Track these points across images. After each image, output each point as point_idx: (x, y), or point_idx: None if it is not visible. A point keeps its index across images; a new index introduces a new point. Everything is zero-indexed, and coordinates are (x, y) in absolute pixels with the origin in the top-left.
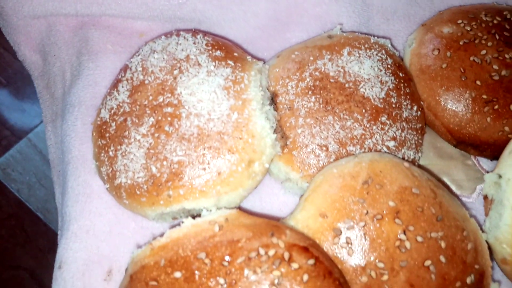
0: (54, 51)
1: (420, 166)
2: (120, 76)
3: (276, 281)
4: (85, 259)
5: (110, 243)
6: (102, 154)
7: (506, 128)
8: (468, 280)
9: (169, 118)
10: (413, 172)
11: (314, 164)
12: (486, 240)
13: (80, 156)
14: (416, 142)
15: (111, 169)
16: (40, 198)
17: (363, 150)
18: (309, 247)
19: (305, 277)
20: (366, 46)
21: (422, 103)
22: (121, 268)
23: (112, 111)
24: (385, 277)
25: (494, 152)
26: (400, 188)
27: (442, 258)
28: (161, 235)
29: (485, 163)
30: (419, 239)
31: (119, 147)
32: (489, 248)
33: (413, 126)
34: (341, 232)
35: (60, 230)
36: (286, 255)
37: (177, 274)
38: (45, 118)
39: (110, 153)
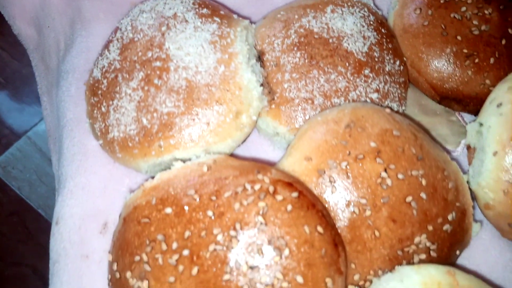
0: (48, 23)
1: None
2: (111, 37)
3: (261, 212)
4: (81, 214)
5: (105, 198)
6: (95, 111)
7: (487, 81)
8: (450, 217)
9: (158, 72)
10: (395, 117)
11: (301, 117)
12: (470, 188)
13: (74, 118)
14: (399, 95)
15: (104, 124)
16: (41, 195)
17: (347, 102)
18: (293, 183)
19: (289, 207)
20: (349, 4)
21: (405, 59)
22: (116, 221)
23: (104, 70)
24: (368, 213)
25: (476, 106)
26: (381, 131)
27: (423, 195)
28: (152, 177)
29: (468, 119)
30: (400, 176)
31: (111, 102)
32: (473, 197)
33: (396, 80)
34: (324, 172)
35: (56, 191)
36: (271, 189)
37: (168, 210)
38: (41, 90)
39: (103, 109)
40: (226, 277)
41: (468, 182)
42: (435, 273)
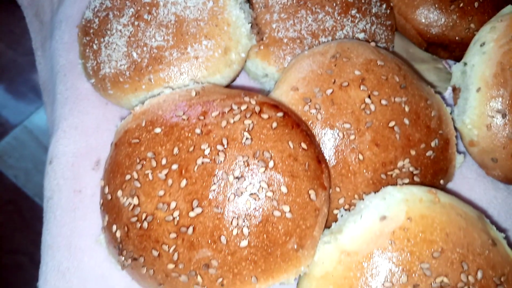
0: None
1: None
2: None
3: (247, 128)
4: (74, 152)
5: (97, 137)
6: (87, 50)
7: (472, 25)
8: (433, 144)
9: (147, 7)
10: (379, 50)
11: (289, 57)
12: (455, 127)
13: (67, 64)
14: (386, 37)
15: (95, 62)
16: (37, 184)
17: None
18: (278, 105)
19: (274, 124)
20: None
21: (392, 5)
22: None
23: (95, 9)
24: (352, 137)
25: (462, 52)
26: (366, 60)
27: (406, 121)
28: (142, 102)
29: None
30: (384, 102)
31: (102, 39)
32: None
33: (382, 22)
34: (310, 100)
35: (50, 136)
36: (257, 109)
37: (157, 130)
38: (35, 45)
39: (94, 46)
40: (214, 187)
41: (453, 121)
42: (417, 191)
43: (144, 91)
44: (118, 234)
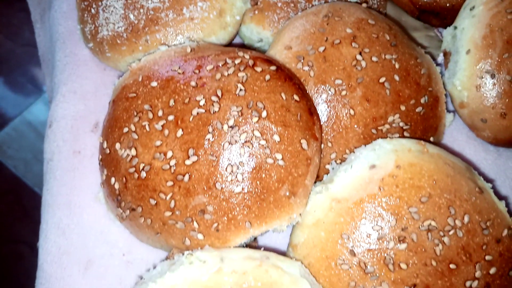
0: None
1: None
2: None
3: (241, 80)
4: (73, 115)
5: (96, 101)
6: (85, 15)
7: None
8: (422, 100)
9: None
10: (371, 11)
11: (284, 20)
12: (445, 89)
13: (66, 32)
14: (378, 3)
15: (93, 25)
16: (37, 173)
17: None
18: (271, 60)
19: (267, 77)
20: None
21: None
22: None
23: None
24: (344, 93)
25: (453, 19)
26: (357, 19)
27: (396, 77)
28: (139, 60)
29: None
30: (374, 59)
31: (100, 3)
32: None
33: None
34: (303, 58)
35: (49, 104)
36: (251, 62)
37: (154, 84)
38: (34, 18)
39: (92, 11)
40: (208, 136)
41: (444, 85)
42: (406, 142)
43: (141, 52)
44: (116, 186)
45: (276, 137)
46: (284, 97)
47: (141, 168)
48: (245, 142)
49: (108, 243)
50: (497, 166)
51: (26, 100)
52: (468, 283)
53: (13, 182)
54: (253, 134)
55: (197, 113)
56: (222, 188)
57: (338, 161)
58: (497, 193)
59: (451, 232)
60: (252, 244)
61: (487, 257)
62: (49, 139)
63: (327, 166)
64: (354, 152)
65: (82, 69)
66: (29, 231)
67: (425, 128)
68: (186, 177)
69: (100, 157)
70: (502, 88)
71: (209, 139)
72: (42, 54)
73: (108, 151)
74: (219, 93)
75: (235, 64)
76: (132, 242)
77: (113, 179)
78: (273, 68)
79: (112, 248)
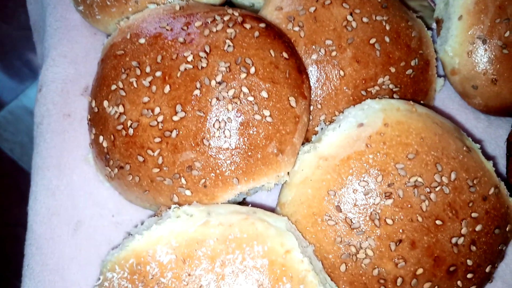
0: None
1: None
2: None
3: (229, 36)
4: (64, 79)
5: (86, 65)
6: None
7: None
8: (413, 63)
9: None
10: None
11: None
12: (437, 57)
13: None
14: None
15: None
16: None
17: None
18: (261, 18)
19: (256, 33)
20: None
21: None
22: None
23: None
24: (334, 54)
25: None
26: None
27: (387, 39)
28: (128, 18)
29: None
30: (365, 20)
31: None
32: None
33: None
34: (294, 19)
35: (40, 69)
36: (240, 19)
37: (142, 40)
38: None
39: None
40: (196, 92)
41: (436, 52)
42: (395, 102)
43: (130, 14)
44: (104, 145)
45: (264, 94)
46: (273, 54)
47: (128, 125)
48: (233, 98)
49: (97, 204)
50: (488, 134)
51: (22, 84)
52: (454, 240)
53: (9, 166)
54: (241, 90)
55: (185, 69)
56: (209, 144)
57: (328, 123)
58: (485, 154)
59: (437, 189)
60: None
61: (473, 214)
62: (39, 103)
63: (317, 129)
64: (343, 113)
65: (72, 34)
66: (26, 214)
67: (415, 91)
68: (174, 133)
69: (89, 116)
70: (494, 53)
71: (196, 95)
72: (33, 22)
73: (96, 109)
74: (207, 49)
75: (224, 20)
76: (121, 204)
77: (101, 138)
78: (262, 25)
79: (101, 209)
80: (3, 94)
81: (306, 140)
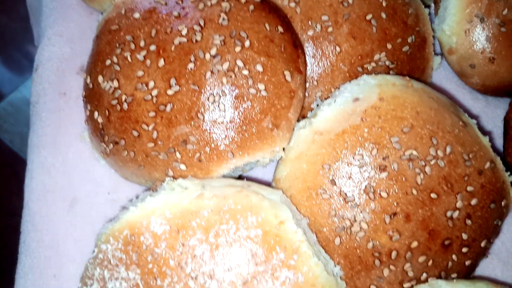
0: None
1: None
2: None
3: (224, 10)
4: (59, 58)
5: (82, 44)
6: None
7: None
8: (409, 40)
9: None
10: None
11: None
12: (434, 36)
13: None
14: None
15: None
16: None
17: None
18: None
19: (251, 7)
20: None
21: None
22: None
23: None
24: (330, 29)
25: None
26: None
27: (383, 15)
28: None
29: None
30: None
31: None
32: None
33: None
34: None
35: (36, 49)
36: None
37: (136, 15)
38: None
39: None
40: (190, 66)
41: (433, 31)
42: (390, 77)
43: None
44: (99, 120)
45: (259, 67)
46: (268, 28)
47: (123, 99)
48: (228, 71)
49: (93, 181)
50: (485, 114)
51: (21, 75)
52: (449, 213)
53: (9, 156)
54: (236, 64)
55: (179, 43)
56: (204, 118)
57: (324, 100)
58: (481, 130)
59: (432, 162)
60: None
61: (469, 188)
62: (35, 82)
63: (313, 105)
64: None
65: (68, 13)
66: None
67: (411, 68)
68: (168, 107)
69: (84, 93)
70: (491, 32)
71: (191, 69)
72: (30, 4)
73: (91, 85)
74: (202, 23)
75: None
76: (117, 181)
77: (96, 113)
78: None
79: (97, 186)
80: (3, 85)
81: (302, 117)
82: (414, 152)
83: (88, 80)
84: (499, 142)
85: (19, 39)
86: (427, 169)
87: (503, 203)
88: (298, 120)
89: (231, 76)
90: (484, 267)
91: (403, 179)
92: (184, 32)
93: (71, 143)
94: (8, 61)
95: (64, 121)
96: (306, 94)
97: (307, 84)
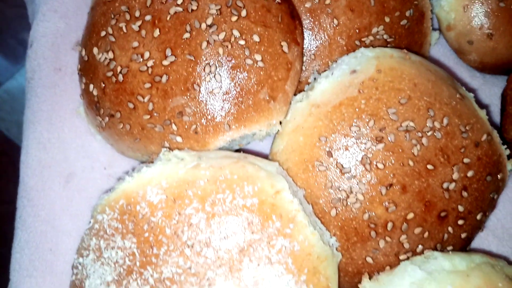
0: None
1: None
2: None
3: None
4: (54, 33)
5: (77, 20)
6: None
7: None
8: (407, 13)
9: None
10: None
11: None
12: (433, 11)
13: None
14: None
15: None
16: None
17: None
18: None
19: None
20: None
21: None
22: None
23: None
24: (328, 1)
25: None
26: None
27: None
28: None
29: None
30: None
31: None
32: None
33: None
34: None
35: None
36: None
37: None
38: None
39: None
40: (186, 35)
41: (432, 7)
42: (388, 50)
43: None
44: (95, 93)
45: (256, 37)
46: None
47: (118, 71)
48: (224, 41)
49: (89, 157)
50: (483, 91)
51: (17, 63)
52: (445, 185)
53: (6, 144)
54: (232, 34)
55: (175, 12)
56: (200, 89)
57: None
58: (479, 104)
59: (429, 133)
60: None
61: (465, 160)
62: (30, 58)
63: (309, 80)
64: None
65: None
66: None
67: (409, 42)
68: (164, 78)
69: (79, 66)
70: (490, 7)
71: (186, 38)
72: None
73: (86, 58)
74: None
75: None
76: (113, 156)
77: (91, 86)
78: None
79: (93, 162)
80: None
81: (299, 91)
82: (411, 124)
83: (83, 53)
84: (497, 120)
85: (15, 27)
86: (424, 140)
87: (499, 176)
88: (295, 94)
89: (227, 46)
90: (480, 243)
91: (400, 150)
92: (179, 1)
93: (66, 118)
94: (4, 48)
95: (60, 97)
96: (303, 68)
97: (304, 58)
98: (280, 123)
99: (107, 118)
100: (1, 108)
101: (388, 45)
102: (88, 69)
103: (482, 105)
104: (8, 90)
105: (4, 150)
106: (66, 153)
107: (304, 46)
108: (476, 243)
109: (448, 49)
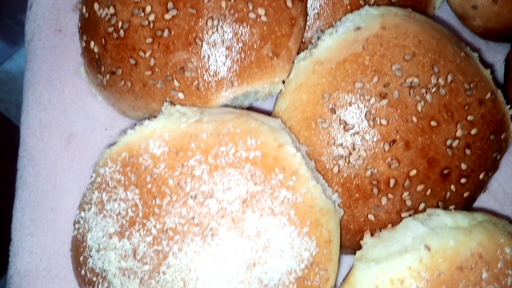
0: None
1: None
2: None
3: None
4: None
5: None
6: None
7: None
8: None
9: None
10: None
11: None
12: None
13: None
14: None
15: None
16: None
17: None
18: None
19: None
20: None
21: None
22: None
23: None
24: None
25: None
26: None
27: None
28: None
29: None
30: None
31: None
32: None
33: None
34: None
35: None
36: None
37: None
38: None
39: None
40: None
41: None
42: (393, 8)
43: None
44: (96, 50)
45: None
46: None
47: (119, 26)
48: None
49: (90, 117)
50: (486, 58)
51: (15, 44)
52: (448, 142)
53: (5, 125)
54: None
55: None
56: (202, 43)
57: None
58: (483, 63)
59: (433, 90)
60: None
61: (469, 117)
62: (30, 20)
63: (313, 40)
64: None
65: None
66: None
67: (413, 4)
68: (166, 33)
69: (79, 24)
70: None
71: None
72: None
73: (87, 15)
74: None
75: None
76: (114, 117)
77: (92, 43)
78: None
79: (94, 122)
80: None
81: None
82: (415, 80)
83: (84, 10)
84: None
85: (12, 7)
86: (428, 96)
87: (502, 136)
88: (298, 53)
89: (230, 0)
90: (481, 208)
91: (404, 107)
92: None
93: (67, 79)
94: (1, 29)
95: (60, 58)
96: (307, 28)
97: (308, 18)
98: (283, 82)
99: (108, 76)
100: (1, 89)
101: (393, 5)
102: (89, 26)
103: (486, 65)
104: (6, 71)
105: (3, 130)
106: (67, 114)
107: (307, 5)
108: (477, 207)
109: (451, 15)
